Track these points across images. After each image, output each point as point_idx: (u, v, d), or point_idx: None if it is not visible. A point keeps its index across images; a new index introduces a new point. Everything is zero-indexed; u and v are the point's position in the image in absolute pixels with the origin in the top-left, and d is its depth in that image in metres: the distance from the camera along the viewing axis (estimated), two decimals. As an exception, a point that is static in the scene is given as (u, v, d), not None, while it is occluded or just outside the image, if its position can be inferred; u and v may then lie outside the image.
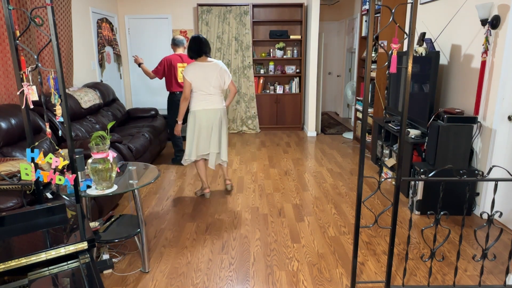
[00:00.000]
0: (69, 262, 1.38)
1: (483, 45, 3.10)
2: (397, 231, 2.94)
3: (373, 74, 4.96)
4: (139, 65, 4.44)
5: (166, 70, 4.41)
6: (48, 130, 1.95)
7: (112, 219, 2.56)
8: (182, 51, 4.49)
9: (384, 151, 4.25)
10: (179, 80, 4.40)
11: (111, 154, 2.13)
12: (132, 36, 6.61)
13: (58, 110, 1.85)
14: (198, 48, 3.38)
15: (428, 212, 2.02)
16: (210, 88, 3.38)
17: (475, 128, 3.25)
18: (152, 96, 6.89)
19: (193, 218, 3.22)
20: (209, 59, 3.43)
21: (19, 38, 2.21)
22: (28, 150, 1.85)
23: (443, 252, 2.65)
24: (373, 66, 5.08)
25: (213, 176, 4.26)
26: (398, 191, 2.02)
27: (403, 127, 1.94)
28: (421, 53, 3.51)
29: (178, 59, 4.40)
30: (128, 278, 2.36)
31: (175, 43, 4.47)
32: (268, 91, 6.68)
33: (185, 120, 4.32)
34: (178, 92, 4.45)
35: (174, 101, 4.49)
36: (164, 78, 4.47)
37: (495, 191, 1.99)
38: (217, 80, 3.38)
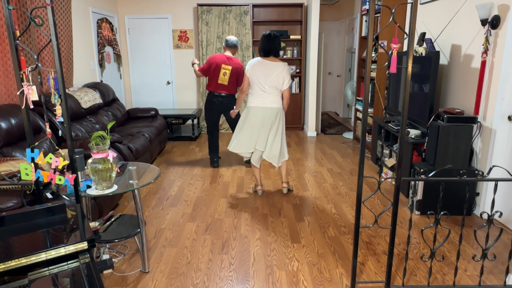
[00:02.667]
0: (69, 262, 1.38)
1: (483, 45, 3.10)
2: (397, 231, 2.94)
3: (373, 74, 4.96)
4: (193, 64, 4.44)
5: (210, 69, 4.30)
6: (48, 130, 1.95)
7: (112, 219, 2.56)
8: (231, 53, 4.36)
9: (384, 151, 4.25)
10: (219, 82, 4.29)
11: (111, 154, 2.13)
12: (132, 36, 6.61)
13: (58, 110, 1.85)
14: (267, 49, 3.40)
15: (428, 212, 2.02)
16: (265, 86, 3.38)
17: (475, 128, 3.25)
18: (152, 96, 6.89)
19: (193, 218, 3.22)
20: (275, 58, 3.43)
21: (19, 38, 2.21)
22: (28, 150, 1.85)
23: (443, 252, 2.65)
24: (373, 66, 5.08)
25: (213, 176, 4.26)
26: (398, 191, 2.02)
27: (403, 127, 1.94)
28: (421, 53, 3.51)
29: (224, 60, 4.27)
30: (128, 278, 2.36)
31: (227, 44, 4.34)
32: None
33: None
34: (216, 93, 4.34)
35: (211, 101, 4.39)
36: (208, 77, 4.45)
37: (495, 191, 1.99)
38: (274, 81, 3.36)
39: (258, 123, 3.45)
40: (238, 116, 4.47)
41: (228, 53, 4.34)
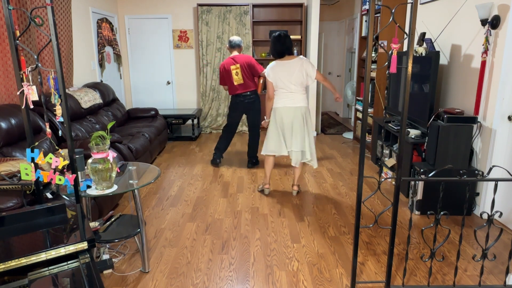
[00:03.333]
0: (69, 262, 1.38)
1: (483, 45, 3.10)
2: (397, 231, 2.94)
3: (373, 74, 4.96)
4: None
5: (225, 77, 4.33)
6: (48, 130, 1.95)
7: (112, 219, 2.56)
8: (237, 52, 4.35)
9: (384, 151, 4.25)
10: (235, 83, 4.29)
11: (111, 154, 2.13)
12: (132, 36, 6.61)
13: (58, 110, 1.85)
14: (280, 50, 3.39)
15: (428, 212, 2.01)
16: (291, 86, 3.37)
17: (475, 128, 3.25)
18: (152, 96, 6.89)
19: (193, 218, 3.22)
20: (290, 56, 3.41)
21: (19, 38, 2.21)
22: (28, 150, 1.85)
23: (443, 252, 2.65)
24: (373, 66, 5.08)
25: (213, 176, 4.26)
26: (398, 191, 2.02)
27: (403, 127, 1.94)
28: (421, 53, 3.51)
29: (231, 62, 4.28)
30: (128, 278, 2.36)
31: (231, 45, 4.34)
32: (268, 91, 6.68)
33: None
34: (237, 94, 4.34)
35: (235, 102, 4.39)
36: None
37: (495, 191, 1.99)
38: (298, 77, 3.35)
39: (289, 123, 3.43)
40: (258, 118, 4.46)
41: (234, 53, 4.35)
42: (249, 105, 4.37)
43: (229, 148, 5.50)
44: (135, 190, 2.27)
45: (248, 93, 4.33)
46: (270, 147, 3.55)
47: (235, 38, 4.33)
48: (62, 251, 1.35)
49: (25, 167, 1.82)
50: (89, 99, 4.37)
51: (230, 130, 4.55)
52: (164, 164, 4.76)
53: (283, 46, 3.38)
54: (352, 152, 5.31)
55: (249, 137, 4.56)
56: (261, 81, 4.41)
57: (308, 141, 3.47)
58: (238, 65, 4.25)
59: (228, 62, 4.29)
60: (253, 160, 4.62)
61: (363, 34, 5.61)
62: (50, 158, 1.84)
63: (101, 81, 5.49)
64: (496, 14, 2.98)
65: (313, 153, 3.52)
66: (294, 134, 3.45)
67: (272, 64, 3.44)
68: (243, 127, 6.63)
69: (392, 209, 2.03)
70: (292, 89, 3.38)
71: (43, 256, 1.32)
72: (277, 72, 3.38)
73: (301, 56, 3.43)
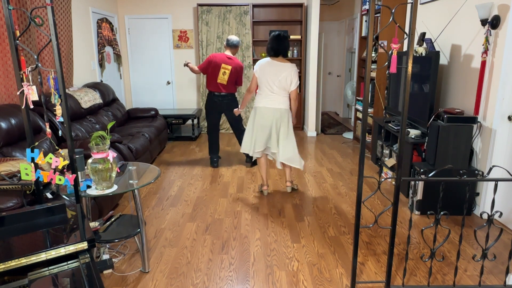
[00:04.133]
0: (69, 262, 1.38)
1: (483, 45, 3.10)
2: (397, 231, 2.94)
3: (373, 74, 4.96)
4: (187, 64, 4.38)
5: (210, 67, 4.27)
6: (48, 130, 1.95)
7: (112, 219, 2.56)
8: (231, 53, 4.33)
9: (384, 151, 4.25)
10: (218, 81, 4.27)
11: (111, 154, 2.13)
12: (132, 36, 6.61)
13: (58, 110, 1.85)
14: (276, 48, 3.39)
15: (428, 212, 2.01)
16: (273, 87, 3.38)
17: (475, 128, 3.25)
18: (152, 96, 6.89)
19: (193, 218, 3.22)
20: (284, 59, 3.43)
21: (19, 38, 2.21)
22: (28, 150, 1.85)
23: (443, 252, 2.65)
24: (373, 66, 5.08)
25: (213, 176, 4.26)
26: (398, 191, 2.02)
27: (403, 127, 1.94)
28: (421, 53, 3.51)
29: (225, 60, 4.25)
30: (128, 278, 2.36)
31: (228, 44, 4.31)
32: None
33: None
34: (216, 93, 4.33)
35: (211, 101, 4.38)
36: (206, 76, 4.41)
37: (495, 191, 1.99)
38: (282, 82, 3.36)
39: (267, 123, 3.45)
40: (239, 116, 4.47)
41: (228, 53, 4.33)
42: (226, 105, 4.37)
43: (228, 148, 5.51)
44: (135, 190, 2.27)
45: (226, 94, 4.34)
46: (251, 145, 3.56)
47: (234, 38, 4.32)
48: (62, 251, 1.35)
49: (25, 167, 1.82)
50: (89, 99, 4.37)
51: (212, 130, 4.53)
52: (164, 164, 4.76)
53: (280, 46, 3.38)
54: (352, 152, 5.31)
55: (235, 135, 4.58)
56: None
57: (285, 143, 3.47)
58: (230, 67, 4.25)
59: (222, 58, 4.26)
60: (251, 157, 4.63)
61: (363, 34, 5.61)
62: (50, 158, 1.84)
63: (101, 81, 5.49)
64: (496, 14, 2.98)
65: (290, 156, 3.47)
66: (272, 135, 3.48)
67: (263, 60, 3.43)
68: (243, 127, 6.62)
69: (392, 209, 2.03)
70: (275, 90, 3.40)
71: (43, 256, 1.32)
72: (265, 70, 3.38)
73: (294, 64, 3.44)
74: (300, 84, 6.63)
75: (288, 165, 3.66)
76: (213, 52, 6.41)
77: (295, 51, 6.65)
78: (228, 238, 2.87)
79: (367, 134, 5.32)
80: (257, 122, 3.48)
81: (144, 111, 5.53)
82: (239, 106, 3.71)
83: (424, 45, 3.65)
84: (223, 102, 4.35)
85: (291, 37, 6.48)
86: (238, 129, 4.54)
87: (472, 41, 3.30)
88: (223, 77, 4.25)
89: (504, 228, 3.00)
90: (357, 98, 5.88)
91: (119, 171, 2.49)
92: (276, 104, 3.42)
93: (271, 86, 3.38)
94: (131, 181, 2.32)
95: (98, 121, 4.37)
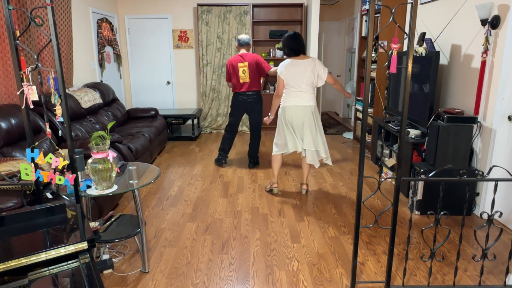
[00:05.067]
0: (69, 262, 1.38)
1: (483, 45, 3.10)
2: (397, 231, 2.94)
3: (373, 74, 4.96)
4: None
5: (231, 74, 4.34)
6: (48, 130, 1.95)
7: (112, 219, 2.56)
8: (245, 50, 4.35)
9: (384, 151, 4.25)
10: (241, 81, 4.30)
11: (111, 154, 2.13)
12: (132, 36, 6.61)
13: (58, 110, 1.85)
14: (295, 48, 3.39)
15: (428, 212, 2.01)
16: (302, 85, 3.38)
17: (475, 128, 3.25)
18: (152, 96, 6.89)
19: (193, 218, 3.22)
20: (304, 56, 3.43)
21: (19, 38, 2.21)
22: (28, 150, 1.85)
23: (443, 252, 2.65)
24: (373, 66, 5.08)
25: (213, 176, 4.26)
26: (398, 191, 2.02)
27: (403, 127, 1.94)
28: (421, 53, 3.51)
29: (239, 59, 4.29)
30: (128, 278, 2.36)
31: (239, 43, 4.35)
32: (268, 91, 6.68)
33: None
34: (241, 92, 4.35)
35: (236, 100, 4.40)
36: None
37: (495, 191, 1.99)
38: (310, 78, 3.36)
39: (299, 122, 3.44)
40: (259, 118, 4.48)
41: (242, 51, 4.36)
42: (251, 104, 4.37)
43: (229, 148, 5.51)
44: (135, 190, 2.27)
45: (251, 92, 4.34)
46: (280, 145, 3.56)
47: (244, 37, 4.35)
48: (62, 251, 1.35)
49: (25, 167, 1.82)
50: (89, 99, 4.37)
51: (232, 129, 4.56)
52: (164, 164, 4.76)
53: (298, 45, 3.39)
54: (352, 152, 5.31)
55: (250, 137, 4.57)
56: (262, 80, 4.42)
57: (321, 139, 3.48)
58: (246, 63, 4.27)
59: (236, 59, 4.31)
60: (254, 160, 4.62)
61: (363, 34, 5.61)
62: (50, 158, 1.84)
63: (101, 81, 5.49)
64: (496, 14, 2.98)
65: (327, 150, 3.53)
66: (305, 133, 3.45)
67: (286, 62, 3.43)
68: (243, 127, 6.63)
69: (392, 209, 2.03)
70: (303, 88, 3.39)
71: (43, 256, 1.32)
72: (290, 70, 3.38)
73: (315, 57, 3.44)
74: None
75: (307, 167, 3.65)
76: (213, 52, 6.41)
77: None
78: (228, 238, 2.87)
79: (367, 134, 5.32)
80: (288, 121, 3.46)
81: (144, 111, 5.53)
82: (270, 113, 3.64)
83: (424, 45, 3.65)
84: (248, 101, 4.36)
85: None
86: (257, 132, 4.54)
87: (472, 41, 3.30)
88: (243, 75, 4.29)
89: (504, 228, 3.00)
90: (357, 98, 5.88)
91: (119, 171, 2.49)
92: (306, 101, 3.41)
93: (300, 85, 3.38)
94: (131, 181, 2.32)
95: (98, 121, 4.37)
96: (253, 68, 4.29)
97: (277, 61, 6.74)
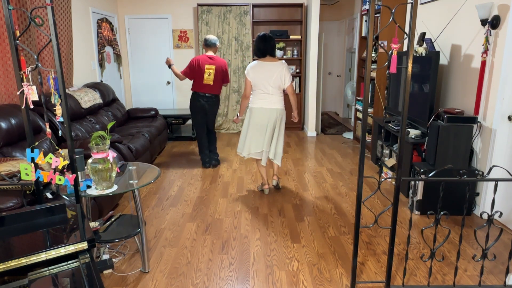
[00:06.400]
0: (69, 262, 1.38)
1: (483, 45, 3.10)
2: (397, 231, 2.94)
3: (373, 74, 4.96)
4: (169, 66, 4.39)
5: (194, 71, 4.30)
6: (48, 130, 1.95)
7: (112, 219, 2.56)
8: (213, 52, 4.34)
9: (384, 151, 4.25)
10: (204, 82, 4.28)
11: (111, 154, 2.13)
12: (132, 36, 6.61)
13: (58, 110, 1.85)
14: (263, 49, 3.42)
15: (428, 212, 2.02)
16: (268, 87, 3.40)
17: (475, 128, 3.25)
18: (152, 96, 6.89)
19: (193, 218, 3.22)
20: (272, 58, 3.45)
21: (19, 38, 2.21)
22: (28, 150, 1.85)
23: (443, 252, 2.65)
24: (373, 66, 5.08)
25: (213, 176, 4.26)
26: (398, 191, 2.02)
27: (403, 127, 1.94)
28: (421, 53, 3.51)
29: (207, 60, 4.26)
30: (128, 278, 2.36)
31: (206, 44, 4.32)
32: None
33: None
34: (201, 93, 4.33)
35: (196, 101, 4.38)
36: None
37: (495, 191, 1.99)
38: (276, 80, 3.39)
39: (264, 124, 3.47)
40: (214, 119, 4.52)
41: (210, 53, 4.33)
42: (210, 107, 4.40)
43: (228, 148, 5.51)
44: (135, 190, 2.27)
45: (212, 95, 4.35)
46: (247, 147, 3.57)
47: (211, 37, 4.32)
48: (62, 251, 1.35)
49: (25, 167, 1.82)
50: (89, 99, 4.37)
51: (201, 131, 4.52)
52: (164, 164, 4.76)
53: (266, 46, 3.41)
54: (352, 152, 5.31)
55: (208, 136, 4.62)
56: (224, 85, 4.49)
57: (276, 142, 3.54)
58: (214, 67, 4.26)
59: (204, 59, 4.27)
60: (216, 157, 4.67)
61: (363, 34, 5.61)
62: (50, 158, 1.84)
63: (101, 81, 5.49)
64: (496, 14, 2.98)
65: (278, 153, 3.58)
66: (266, 135, 3.49)
67: (253, 63, 3.46)
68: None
69: (392, 209, 2.03)
70: (270, 90, 3.42)
71: (43, 256, 1.32)
72: (257, 72, 3.40)
73: (283, 61, 3.47)
74: (300, 84, 6.63)
75: (273, 163, 3.73)
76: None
77: (295, 51, 6.66)
78: (228, 238, 2.87)
79: (367, 134, 5.32)
80: (254, 122, 3.49)
81: (144, 111, 5.53)
82: (238, 113, 3.71)
83: (424, 45, 3.65)
84: (208, 104, 4.38)
85: (291, 37, 6.49)
86: (213, 132, 4.62)
87: (472, 41, 3.30)
88: (208, 77, 4.27)
89: (504, 228, 3.00)
90: (357, 98, 5.88)
91: (119, 171, 2.49)
92: (272, 104, 3.45)
93: (266, 87, 3.41)
94: (131, 181, 2.32)
95: (98, 121, 4.37)
96: (218, 74, 4.29)
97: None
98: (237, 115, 3.74)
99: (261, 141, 3.52)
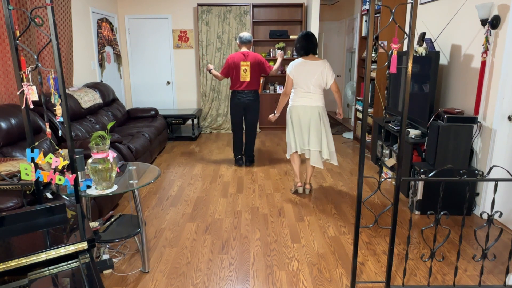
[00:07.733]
0: (69, 262, 1.38)
1: (483, 45, 3.10)
2: (397, 231, 2.94)
3: (373, 74, 4.96)
4: (210, 71, 4.42)
5: (231, 70, 4.33)
6: (48, 130, 1.95)
7: (112, 219, 2.56)
8: (247, 49, 4.36)
9: (384, 151, 4.25)
10: (241, 79, 4.31)
11: (111, 154, 2.13)
12: (132, 36, 6.61)
13: (58, 110, 1.85)
14: (306, 47, 3.40)
15: (428, 212, 2.01)
16: (310, 86, 3.39)
17: (475, 128, 3.25)
18: (152, 96, 6.89)
19: (193, 218, 3.22)
20: (315, 57, 3.43)
21: (19, 38, 2.21)
22: (28, 150, 1.85)
23: (443, 252, 2.65)
24: (373, 66, 5.08)
25: (213, 176, 4.26)
26: (398, 191, 2.02)
27: (403, 127, 1.94)
28: (421, 53, 3.51)
29: (241, 57, 4.29)
30: (128, 278, 2.36)
31: (241, 41, 4.36)
32: (268, 91, 6.68)
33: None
34: (239, 91, 4.36)
35: (235, 99, 4.41)
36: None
37: (495, 191, 1.99)
38: (318, 79, 3.37)
39: (306, 121, 3.45)
40: (256, 117, 4.50)
41: (244, 49, 4.36)
42: (249, 103, 4.40)
43: (228, 148, 5.50)
44: (135, 190, 2.27)
45: (250, 91, 4.37)
46: (293, 146, 3.56)
47: (245, 34, 4.35)
48: (62, 251, 1.35)
49: (25, 167, 1.82)
50: (89, 99, 4.37)
51: (236, 129, 4.57)
52: (164, 164, 4.76)
53: (309, 45, 3.39)
54: (352, 152, 5.31)
55: (245, 135, 4.59)
56: (262, 81, 4.43)
57: (326, 140, 3.48)
58: (248, 63, 4.28)
59: (238, 56, 4.31)
60: (250, 159, 4.66)
61: (363, 34, 5.61)
62: (50, 158, 1.84)
63: (101, 81, 5.49)
64: (496, 14, 2.98)
65: (332, 151, 3.52)
66: (311, 133, 3.46)
67: (296, 61, 3.44)
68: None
69: (392, 209, 2.03)
70: (311, 89, 3.40)
71: (43, 256, 1.32)
72: (299, 70, 3.39)
73: (325, 60, 3.46)
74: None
75: (310, 167, 3.66)
76: (213, 52, 6.41)
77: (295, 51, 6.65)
78: (228, 238, 2.87)
79: (367, 134, 5.32)
80: (296, 121, 3.48)
81: (144, 111, 5.53)
82: (276, 110, 3.69)
83: (424, 45, 3.65)
84: (246, 100, 4.38)
85: (291, 37, 6.49)
86: (253, 131, 4.58)
87: (472, 41, 3.30)
88: (244, 74, 4.30)
89: (504, 228, 3.00)
90: (357, 98, 5.88)
91: (119, 171, 2.49)
92: (313, 102, 3.43)
93: (308, 86, 3.39)
94: (131, 181, 2.32)
95: (98, 121, 4.37)
96: (255, 68, 4.30)
97: (276, 61, 6.73)
98: (274, 113, 3.72)
99: (306, 139, 3.49)
